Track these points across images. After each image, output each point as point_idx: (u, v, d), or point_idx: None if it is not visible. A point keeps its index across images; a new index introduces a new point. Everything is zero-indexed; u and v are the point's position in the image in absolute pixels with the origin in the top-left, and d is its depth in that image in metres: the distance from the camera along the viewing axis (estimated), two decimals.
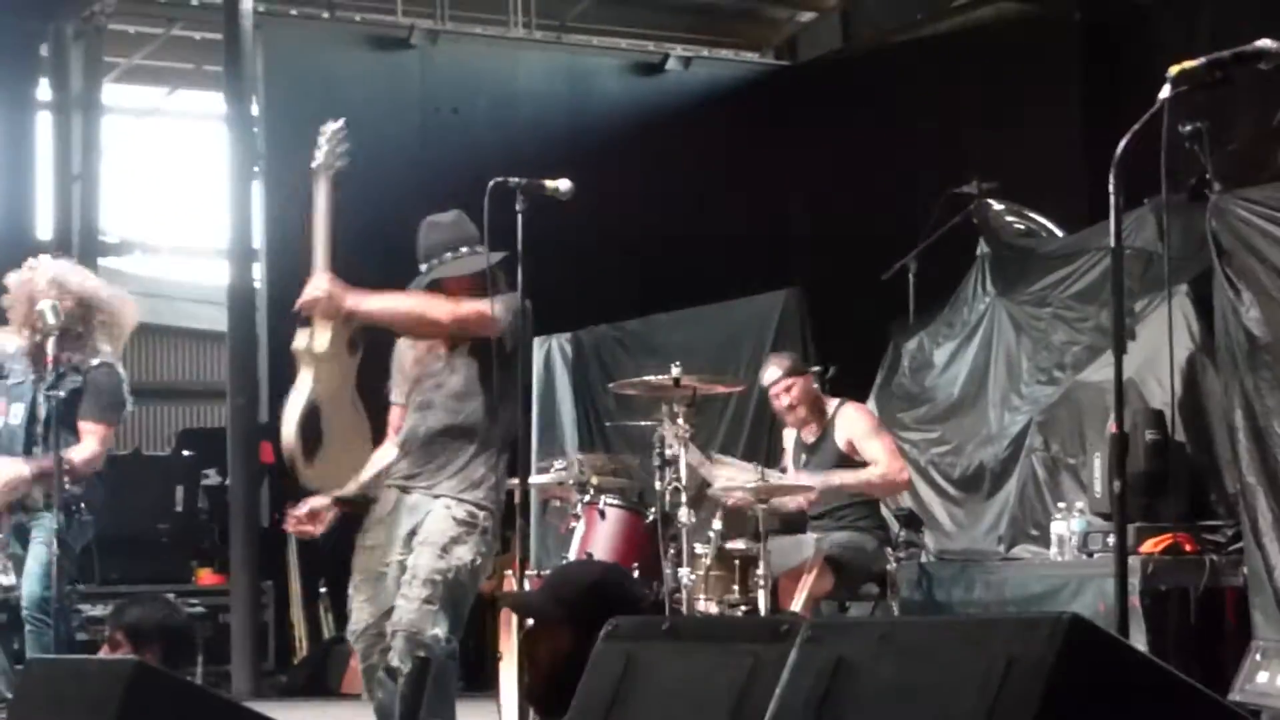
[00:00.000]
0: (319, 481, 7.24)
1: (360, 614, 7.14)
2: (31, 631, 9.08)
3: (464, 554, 6.88)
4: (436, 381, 7.22)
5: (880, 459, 9.46)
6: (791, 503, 9.20)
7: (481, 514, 7.01)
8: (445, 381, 7.18)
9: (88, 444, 9.14)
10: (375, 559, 7.12)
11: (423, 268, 7.20)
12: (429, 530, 6.94)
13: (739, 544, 8.84)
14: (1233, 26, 11.29)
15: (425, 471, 7.12)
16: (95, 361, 9.17)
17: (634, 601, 4.84)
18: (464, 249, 7.11)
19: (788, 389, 9.62)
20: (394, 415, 7.45)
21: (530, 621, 4.89)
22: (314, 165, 7.52)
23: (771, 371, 9.73)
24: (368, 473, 7.32)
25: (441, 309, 7.05)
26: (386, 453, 7.38)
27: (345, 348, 7.15)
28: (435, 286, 7.13)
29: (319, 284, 7.10)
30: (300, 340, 7.11)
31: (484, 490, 7.03)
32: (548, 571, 7.87)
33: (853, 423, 9.63)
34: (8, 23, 17.04)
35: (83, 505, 9.09)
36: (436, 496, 7.04)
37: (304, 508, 7.32)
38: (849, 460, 9.47)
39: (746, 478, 8.91)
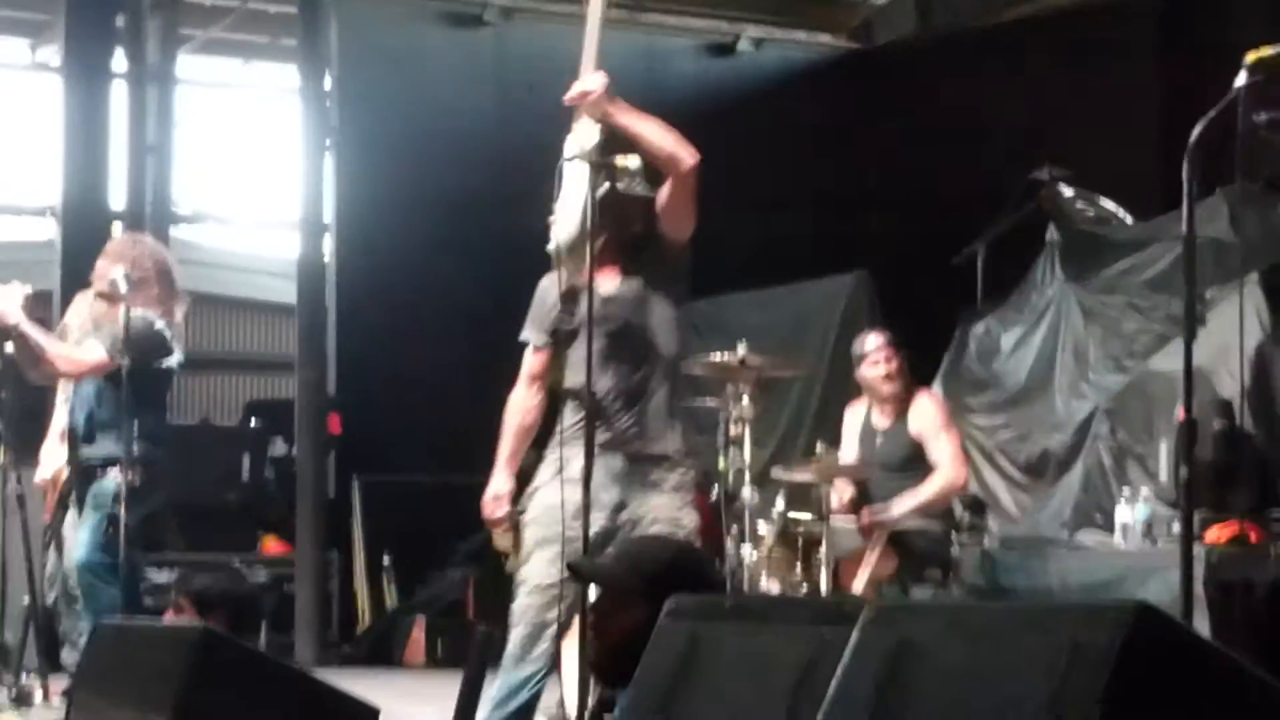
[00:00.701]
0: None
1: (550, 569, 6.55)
2: (85, 591, 9.15)
3: (691, 520, 6.54)
4: (633, 322, 6.60)
5: (944, 462, 9.36)
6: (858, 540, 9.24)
7: (692, 474, 6.69)
8: (645, 322, 6.64)
9: (83, 352, 9.16)
10: (551, 518, 6.56)
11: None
12: (658, 507, 6.47)
13: (804, 514, 8.86)
14: None
15: (633, 433, 6.55)
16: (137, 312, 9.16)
17: (710, 582, 4.85)
18: None
19: (889, 357, 9.56)
20: (536, 361, 6.95)
21: (596, 593, 4.91)
22: None
23: (874, 338, 9.67)
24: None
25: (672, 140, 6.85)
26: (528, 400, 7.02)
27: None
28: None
29: (594, 79, 6.85)
30: (571, 145, 6.78)
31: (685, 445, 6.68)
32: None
33: (926, 415, 9.56)
34: None
35: (144, 472, 9.13)
36: (657, 462, 6.59)
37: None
38: (918, 449, 9.41)
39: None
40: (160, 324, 9.27)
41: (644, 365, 6.53)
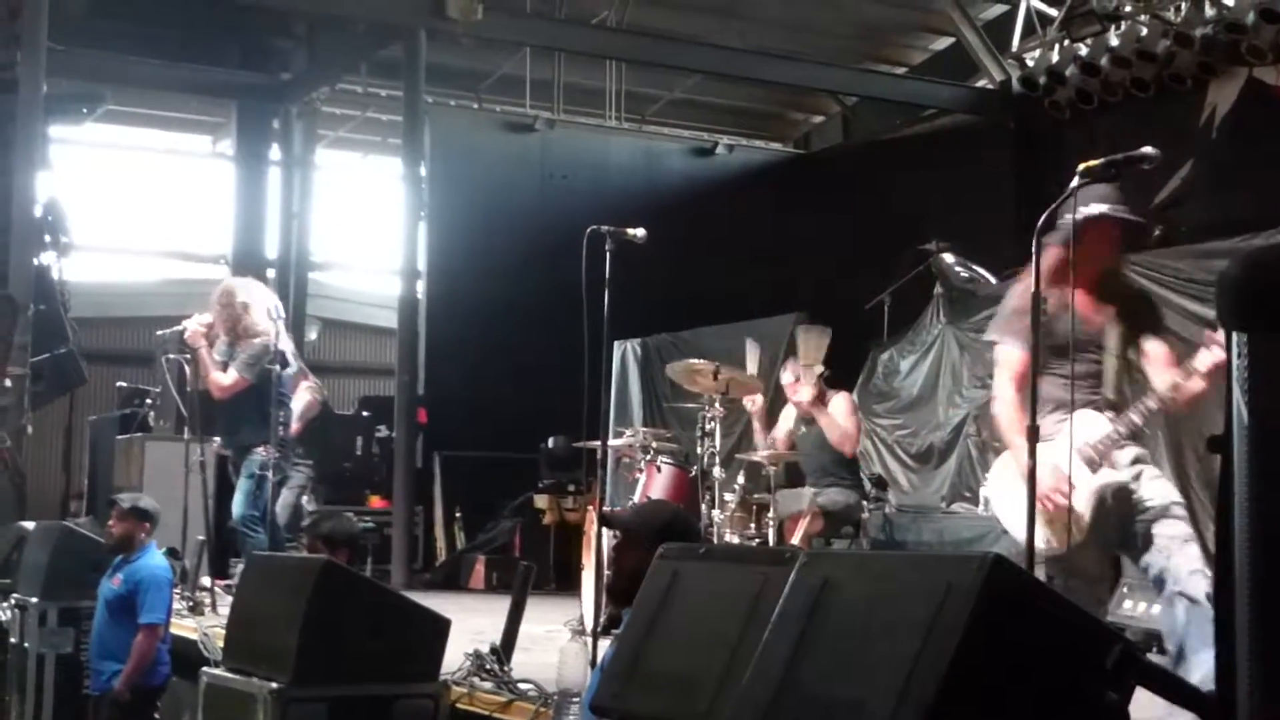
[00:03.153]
0: None
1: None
2: (242, 536, 9.17)
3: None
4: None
5: (848, 424, 9.48)
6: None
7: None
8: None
9: (223, 378, 9.18)
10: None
11: None
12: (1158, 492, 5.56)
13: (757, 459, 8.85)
14: (1123, 136, 11.22)
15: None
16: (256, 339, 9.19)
17: (695, 535, 4.88)
18: None
19: (794, 389, 9.62)
20: (1021, 362, 5.69)
21: (616, 540, 4.91)
22: None
23: (787, 375, 9.72)
24: None
25: None
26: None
27: None
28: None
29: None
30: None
31: None
32: (619, 508, 7.88)
33: (839, 407, 9.60)
34: (251, 105, 17.21)
35: (281, 449, 9.14)
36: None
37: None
38: (834, 427, 9.48)
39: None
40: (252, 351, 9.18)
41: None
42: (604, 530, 6.11)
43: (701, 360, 9.03)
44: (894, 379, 12.28)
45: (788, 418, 9.77)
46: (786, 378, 9.71)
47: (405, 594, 6.46)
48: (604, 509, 5.73)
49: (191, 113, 19.18)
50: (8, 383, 11.01)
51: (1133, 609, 8.03)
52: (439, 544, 14.61)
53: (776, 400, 10.51)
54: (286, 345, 9.46)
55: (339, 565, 5.74)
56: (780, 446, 9.43)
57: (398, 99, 15.19)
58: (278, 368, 8.99)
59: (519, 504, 13.83)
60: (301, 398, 10.03)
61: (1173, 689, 2.84)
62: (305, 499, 10.00)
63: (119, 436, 12.76)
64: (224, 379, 9.20)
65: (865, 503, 9.64)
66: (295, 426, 9.81)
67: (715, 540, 8.35)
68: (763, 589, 3.12)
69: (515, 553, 13.51)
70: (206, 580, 9.46)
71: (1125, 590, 8.20)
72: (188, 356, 9.82)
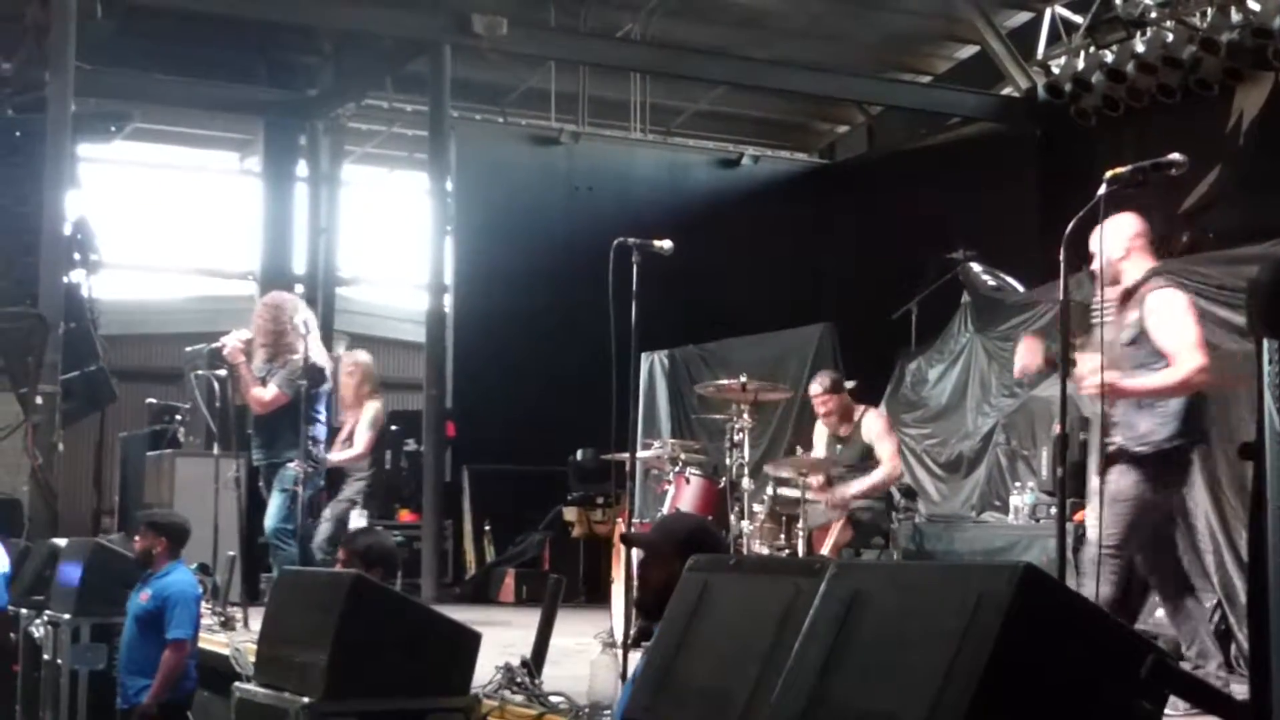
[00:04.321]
0: None
1: None
2: (274, 550, 9.19)
3: None
4: None
5: (885, 459, 9.28)
6: (825, 515, 9.12)
7: None
8: None
9: (264, 393, 9.23)
10: None
11: None
12: None
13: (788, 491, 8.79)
14: (1150, 143, 11.19)
15: None
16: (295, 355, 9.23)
17: (719, 545, 4.85)
18: None
19: (826, 401, 9.50)
20: None
21: (640, 553, 4.89)
22: None
23: (815, 387, 9.61)
24: None
25: None
26: None
27: None
28: None
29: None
30: None
31: None
32: (647, 520, 7.86)
33: (873, 426, 9.46)
34: (278, 122, 17.27)
35: (313, 465, 9.16)
36: None
37: None
38: (868, 451, 9.33)
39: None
40: (291, 367, 9.22)
41: None
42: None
43: (728, 380, 8.98)
44: (922, 388, 12.24)
45: (821, 437, 9.74)
46: (815, 389, 9.67)
47: (435, 608, 6.46)
48: (624, 530, 5.73)
49: (219, 130, 19.26)
50: (39, 400, 11.06)
51: (1165, 617, 7.97)
52: (468, 557, 14.61)
53: (804, 411, 10.49)
54: (325, 361, 9.49)
55: (369, 580, 5.74)
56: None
57: (423, 114, 15.24)
58: (304, 383, 8.99)
59: (548, 517, 13.83)
60: (371, 407, 10.05)
61: (1206, 697, 2.83)
62: (355, 512, 10.00)
63: (149, 453, 12.80)
64: (265, 394, 9.23)
65: (895, 513, 9.59)
66: (369, 436, 9.85)
67: (744, 551, 8.32)
68: (793, 600, 3.12)
69: (544, 566, 13.51)
70: (239, 595, 9.48)
71: (1158, 599, 8.15)
72: (217, 372, 9.85)
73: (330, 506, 9.68)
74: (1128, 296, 6.00)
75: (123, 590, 7.84)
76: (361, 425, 9.84)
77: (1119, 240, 6.04)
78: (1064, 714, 2.61)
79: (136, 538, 7.87)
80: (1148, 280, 6.02)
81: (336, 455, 9.68)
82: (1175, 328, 5.89)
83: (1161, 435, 5.85)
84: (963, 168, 15.58)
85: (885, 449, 9.34)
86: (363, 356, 10.41)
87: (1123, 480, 5.77)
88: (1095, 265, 5.84)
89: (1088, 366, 5.34)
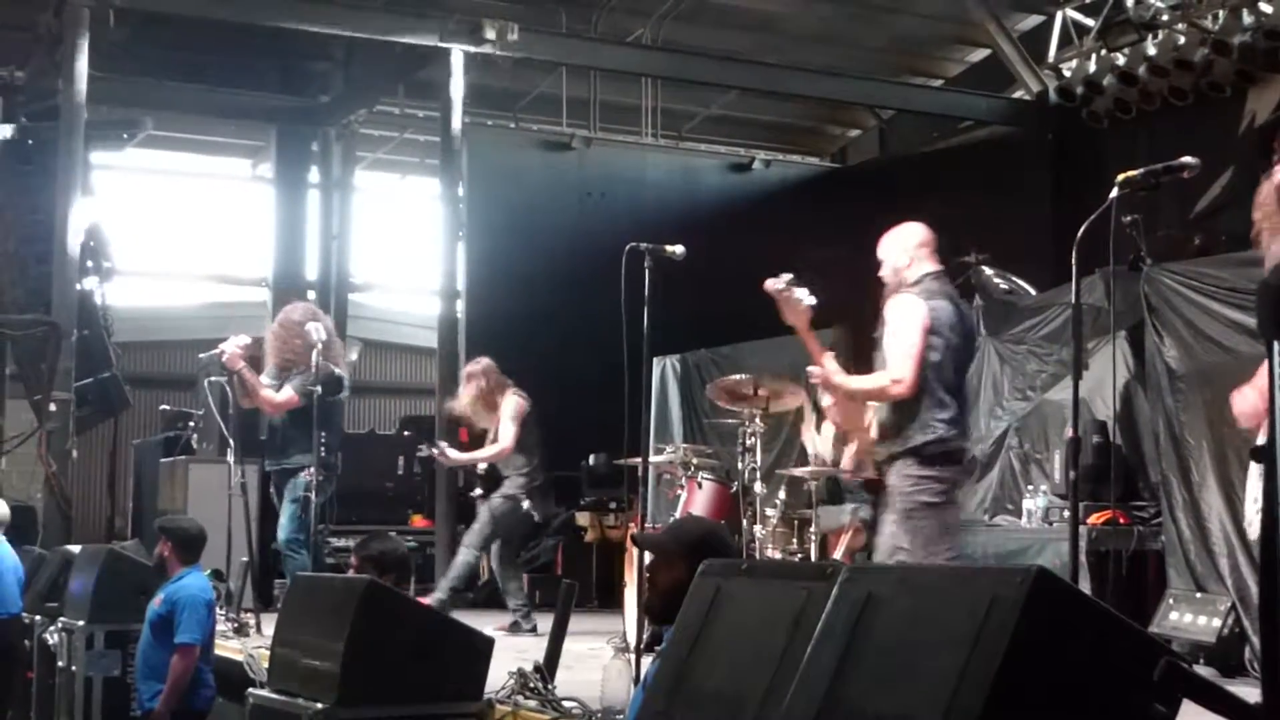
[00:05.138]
0: None
1: None
2: (286, 558, 9.21)
3: None
4: None
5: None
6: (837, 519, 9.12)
7: None
8: None
9: (278, 395, 9.31)
10: None
11: None
12: None
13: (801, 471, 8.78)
14: (1162, 146, 11.18)
15: None
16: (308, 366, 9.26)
17: (729, 549, 4.85)
18: None
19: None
20: None
21: (651, 557, 4.90)
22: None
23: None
24: None
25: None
26: None
27: None
28: None
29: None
30: None
31: None
32: (659, 525, 7.87)
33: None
34: (290, 129, 17.31)
35: (325, 472, 9.17)
36: None
37: None
38: None
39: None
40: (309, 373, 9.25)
41: None
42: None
43: (740, 375, 9.00)
44: None
45: (827, 437, 9.73)
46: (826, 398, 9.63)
47: (448, 613, 6.46)
48: (635, 532, 5.75)
49: (231, 137, 19.31)
50: (53, 408, 11.09)
51: (1178, 620, 7.97)
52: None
53: (817, 415, 10.47)
54: (343, 370, 9.53)
55: (382, 586, 5.75)
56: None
57: (435, 120, 15.24)
58: (319, 389, 9.01)
59: (560, 522, 13.83)
60: (510, 402, 10.12)
61: (1219, 701, 2.82)
62: (525, 504, 10.11)
63: (163, 460, 12.83)
64: (277, 396, 9.26)
65: None
66: (512, 429, 9.92)
67: (756, 555, 8.33)
68: (806, 604, 3.12)
69: (557, 571, 13.51)
70: (251, 601, 9.49)
71: (1171, 602, 8.15)
72: (229, 379, 9.88)
73: (485, 506, 9.76)
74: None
75: (137, 597, 7.86)
76: (503, 421, 9.91)
77: (904, 248, 6.60)
78: (1077, 717, 2.61)
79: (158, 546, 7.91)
80: (900, 287, 6.44)
81: (482, 453, 9.80)
82: (896, 336, 6.27)
83: (909, 438, 6.17)
84: (974, 171, 15.56)
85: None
86: (474, 366, 10.45)
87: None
88: (882, 272, 6.54)
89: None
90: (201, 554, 7.89)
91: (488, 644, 5.69)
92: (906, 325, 6.25)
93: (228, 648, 8.26)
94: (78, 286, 11.73)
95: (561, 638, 6.50)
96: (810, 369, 6.43)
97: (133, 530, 13.41)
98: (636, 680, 5.45)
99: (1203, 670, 7.16)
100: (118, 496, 14.90)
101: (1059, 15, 14.62)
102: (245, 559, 9.64)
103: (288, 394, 9.22)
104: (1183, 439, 8.32)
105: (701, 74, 15.25)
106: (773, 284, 6.61)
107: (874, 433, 6.34)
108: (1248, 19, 12.54)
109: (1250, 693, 3.03)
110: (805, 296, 6.58)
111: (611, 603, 11.22)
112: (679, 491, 8.89)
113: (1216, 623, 7.71)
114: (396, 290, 21.84)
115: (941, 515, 6.11)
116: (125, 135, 13.92)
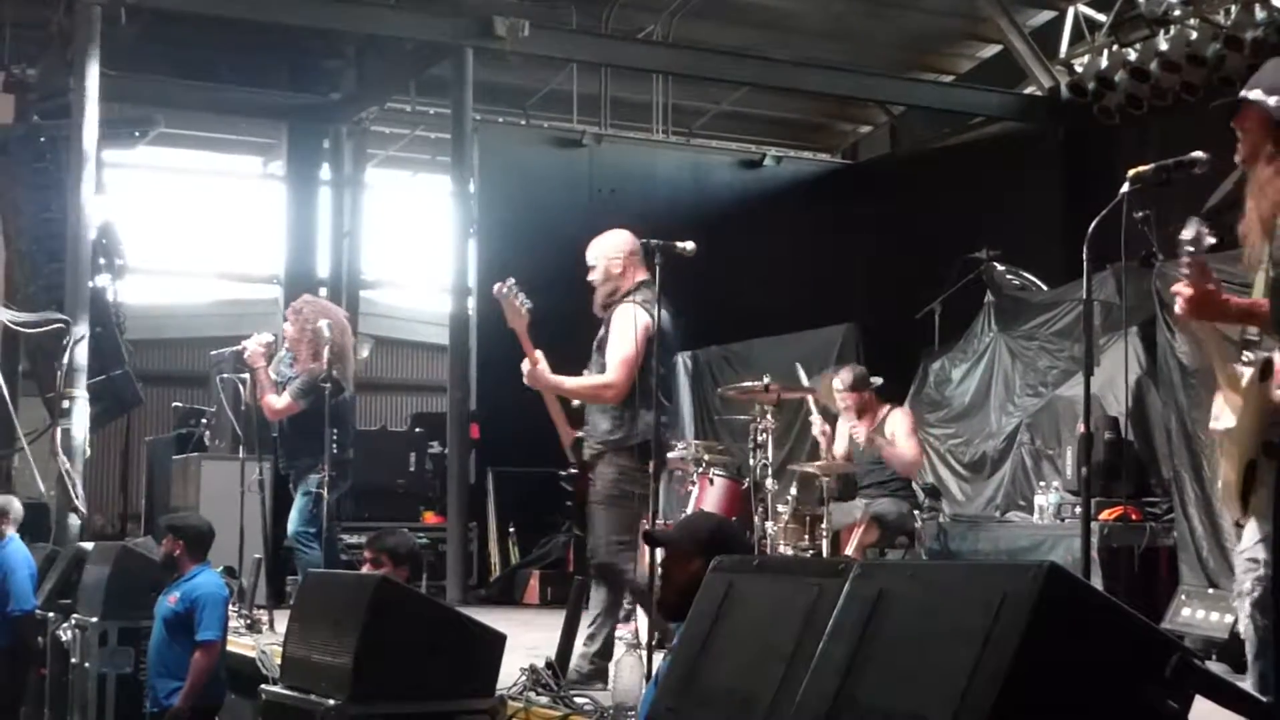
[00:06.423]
0: None
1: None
2: (296, 551, 9.23)
3: None
4: None
5: (907, 449, 9.33)
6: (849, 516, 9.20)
7: None
8: None
9: (276, 402, 9.34)
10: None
11: None
12: None
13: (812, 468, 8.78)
14: (1174, 141, 11.15)
15: None
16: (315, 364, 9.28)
17: (741, 545, 4.85)
18: None
19: (846, 398, 9.50)
20: None
21: (662, 552, 4.90)
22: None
23: (836, 383, 9.59)
24: None
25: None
26: None
27: None
28: None
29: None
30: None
31: None
32: (671, 521, 7.87)
33: (898, 425, 9.48)
34: (301, 126, 17.33)
35: (338, 469, 9.19)
36: None
37: None
38: (897, 458, 9.32)
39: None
40: (305, 378, 9.25)
41: None
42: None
43: (751, 382, 9.00)
44: (945, 388, 12.22)
45: (843, 435, 9.73)
46: (836, 385, 9.64)
47: (460, 610, 6.47)
48: (647, 528, 5.75)
49: (242, 134, 19.35)
50: (65, 405, 11.12)
51: (1191, 616, 7.96)
52: (493, 559, 14.63)
53: (828, 412, 10.48)
54: (352, 367, 9.56)
55: (395, 582, 5.77)
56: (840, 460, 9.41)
57: (446, 117, 15.27)
58: (328, 386, 9.02)
59: (572, 519, 13.86)
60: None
61: (1231, 697, 2.82)
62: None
63: (175, 457, 12.86)
64: (277, 403, 9.28)
65: (919, 513, 9.58)
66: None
67: (768, 552, 8.33)
68: (817, 601, 3.12)
69: (569, 567, 13.51)
70: (264, 598, 9.51)
71: (1183, 597, 8.14)
72: (243, 376, 9.90)
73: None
74: (606, 308, 6.98)
75: (149, 594, 7.88)
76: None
77: (617, 256, 7.05)
78: (1089, 713, 2.61)
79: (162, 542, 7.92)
80: (627, 295, 6.88)
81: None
82: (615, 342, 6.82)
83: (618, 435, 6.85)
84: (986, 167, 15.54)
85: (906, 444, 9.32)
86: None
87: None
88: (592, 276, 7.06)
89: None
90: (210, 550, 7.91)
91: (499, 640, 5.69)
92: (623, 332, 6.77)
93: (240, 644, 8.27)
94: (90, 284, 11.75)
95: (573, 634, 6.51)
96: (523, 366, 7.18)
97: (145, 527, 13.43)
98: (648, 677, 5.45)
99: (1215, 666, 7.15)
100: (130, 493, 14.93)
101: (1070, 11, 14.59)
102: (258, 556, 9.66)
103: (285, 401, 9.27)
104: (1195, 435, 8.30)
105: (712, 70, 15.23)
106: (498, 288, 7.18)
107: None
108: (1260, 14, 12.51)
109: None
110: (524, 300, 7.20)
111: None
112: (690, 488, 8.89)
113: (1229, 619, 7.69)
114: (408, 287, 21.88)
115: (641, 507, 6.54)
116: (137, 133, 13.95)
